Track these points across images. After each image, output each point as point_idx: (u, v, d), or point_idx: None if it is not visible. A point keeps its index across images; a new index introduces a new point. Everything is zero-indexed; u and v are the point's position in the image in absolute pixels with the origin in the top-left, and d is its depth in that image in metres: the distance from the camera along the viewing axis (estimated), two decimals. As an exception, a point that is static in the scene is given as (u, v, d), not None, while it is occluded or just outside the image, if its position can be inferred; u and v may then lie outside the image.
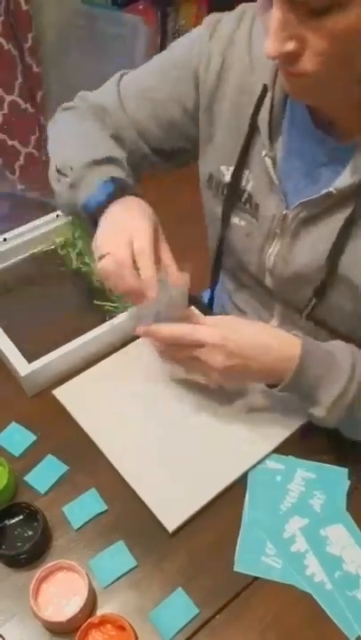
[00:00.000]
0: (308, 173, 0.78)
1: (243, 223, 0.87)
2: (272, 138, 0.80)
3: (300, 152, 0.79)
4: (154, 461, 0.82)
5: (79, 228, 1.11)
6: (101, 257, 0.75)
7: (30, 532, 0.75)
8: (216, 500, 0.79)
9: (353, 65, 0.61)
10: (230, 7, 0.85)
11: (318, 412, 0.75)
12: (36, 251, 1.12)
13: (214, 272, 1.02)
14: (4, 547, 0.74)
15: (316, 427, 0.79)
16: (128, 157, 0.90)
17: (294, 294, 0.86)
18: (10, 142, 2.41)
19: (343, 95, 0.68)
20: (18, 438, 0.86)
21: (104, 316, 0.97)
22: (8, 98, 2.30)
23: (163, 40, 2.29)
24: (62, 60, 2.46)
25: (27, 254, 1.12)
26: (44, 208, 1.17)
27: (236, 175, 0.85)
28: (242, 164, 0.84)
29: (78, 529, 0.77)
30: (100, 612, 0.70)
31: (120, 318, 0.95)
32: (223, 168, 0.86)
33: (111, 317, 0.96)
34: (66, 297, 1.05)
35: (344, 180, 0.73)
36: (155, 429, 0.85)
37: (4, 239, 1.09)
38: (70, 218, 1.12)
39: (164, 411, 0.87)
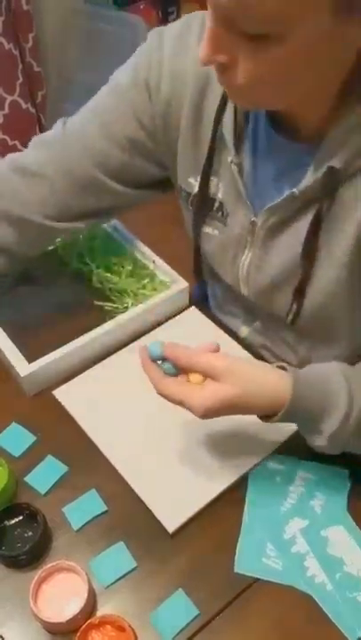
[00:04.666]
0: (276, 180, 0.77)
1: (216, 232, 0.86)
2: (237, 145, 0.78)
3: (265, 159, 0.77)
4: (154, 462, 0.82)
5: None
6: None
7: (30, 533, 0.75)
8: (216, 501, 0.79)
9: (290, 80, 0.60)
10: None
11: (319, 441, 0.72)
12: (36, 251, 1.11)
13: (197, 283, 1.04)
14: (3, 547, 0.74)
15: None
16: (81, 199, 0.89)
17: (273, 302, 0.85)
18: (10, 142, 2.41)
19: (284, 100, 0.66)
20: (18, 439, 0.86)
21: (104, 315, 0.97)
22: (9, 98, 2.30)
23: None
24: (63, 60, 2.46)
25: (27, 254, 1.11)
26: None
27: (204, 184, 0.83)
28: (208, 172, 0.82)
29: (78, 530, 0.77)
30: (99, 613, 0.70)
31: (120, 319, 0.95)
32: (191, 180, 0.85)
33: (111, 317, 0.96)
34: (66, 297, 1.05)
35: (307, 180, 0.71)
36: (155, 430, 0.85)
37: (5, 239, 1.08)
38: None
39: (164, 411, 0.87)
